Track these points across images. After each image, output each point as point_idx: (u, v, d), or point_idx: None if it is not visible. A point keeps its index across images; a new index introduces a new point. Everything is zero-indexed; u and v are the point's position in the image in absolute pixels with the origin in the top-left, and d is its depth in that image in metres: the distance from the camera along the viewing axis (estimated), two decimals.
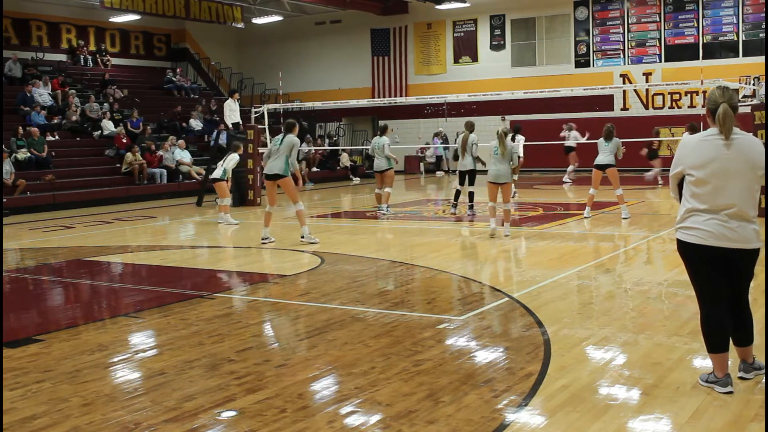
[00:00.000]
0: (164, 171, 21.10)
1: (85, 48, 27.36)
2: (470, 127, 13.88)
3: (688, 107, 24.24)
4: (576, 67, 26.43)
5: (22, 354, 5.73)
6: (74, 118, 22.06)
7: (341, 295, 7.64)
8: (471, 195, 14.32)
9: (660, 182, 19.34)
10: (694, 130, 18.23)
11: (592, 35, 26.30)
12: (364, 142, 28.80)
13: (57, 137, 21.17)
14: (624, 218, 12.81)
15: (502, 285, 8.07)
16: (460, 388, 4.71)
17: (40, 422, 4.32)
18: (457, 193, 14.43)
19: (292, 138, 11.04)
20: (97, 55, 27.70)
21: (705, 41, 24.50)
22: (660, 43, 25.27)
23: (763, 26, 23.30)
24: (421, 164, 28.54)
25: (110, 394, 4.81)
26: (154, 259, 10.58)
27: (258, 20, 29.16)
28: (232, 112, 18.61)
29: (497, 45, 27.89)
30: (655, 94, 25.33)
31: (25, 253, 11.56)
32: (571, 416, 4.22)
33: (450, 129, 27.20)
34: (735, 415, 4.19)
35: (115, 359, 5.63)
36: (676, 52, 24.96)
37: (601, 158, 12.95)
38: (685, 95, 24.68)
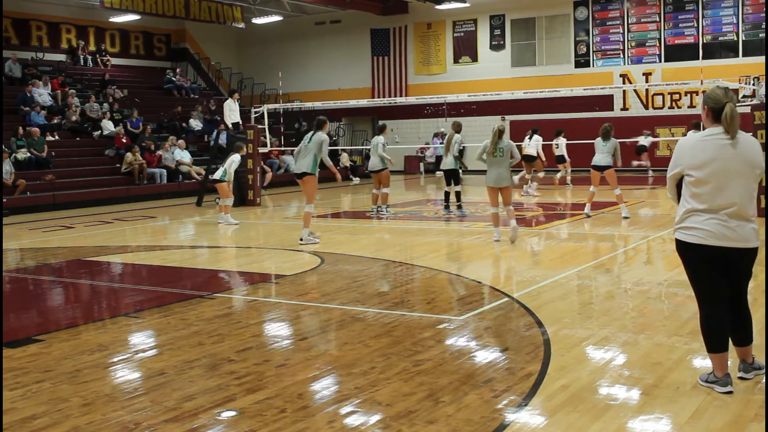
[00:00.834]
0: (164, 171, 21.10)
1: (85, 48, 27.37)
2: (457, 127, 14.06)
3: (688, 107, 24.24)
4: (576, 67, 26.43)
5: (22, 354, 5.73)
6: (74, 118, 22.06)
7: (341, 295, 7.64)
8: (458, 195, 14.43)
9: (649, 173, 19.45)
10: (698, 128, 18.31)
11: (592, 35, 26.30)
12: (363, 142, 28.80)
13: (57, 137, 21.17)
14: (624, 218, 12.81)
15: (502, 285, 8.06)
16: (460, 388, 4.70)
17: (40, 422, 4.32)
18: (447, 195, 14.53)
19: (321, 135, 11.00)
20: (97, 55, 27.70)
21: (705, 41, 24.49)
22: (660, 43, 25.27)
23: (763, 26, 23.30)
24: (421, 164, 28.55)
25: (110, 394, 4.81)
26: (154, 259, 10.58)
27: (258, 20, 29.17)
28: (231, 112, 18.61)
29: (497, 45, 27.89)
30: (655, 94, 25.33)
31: (25, 253, 11.56)
32: (571, 416, 4.22)
33: (450, 129, 27.14)
34: (735, 415, 4.19)
35: (115, 359, 5.62)
36: (675, 52, 24.96)
37: (599, 158, 12.89)
38: (685, 95, 24.68)
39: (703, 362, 4.94)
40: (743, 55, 23.77)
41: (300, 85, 30.32)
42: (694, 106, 23.70)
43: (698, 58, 23.91)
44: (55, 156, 19.97)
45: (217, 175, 14.18)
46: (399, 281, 8.68)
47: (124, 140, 21.43)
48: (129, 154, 20.57)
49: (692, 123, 16.04)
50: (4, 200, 16.40)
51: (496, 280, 8.56)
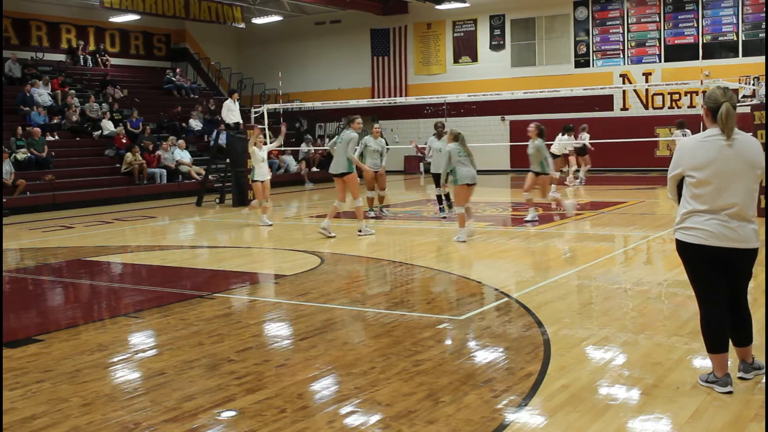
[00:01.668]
0: (164, 171, 21.09)
1: (85, 48, 27.36)
2: (439, 130, 14.23)
3: (688, 107, 24.23)
4: (576, 67, 26.41)
5: (22, 354, 5.73)
6: (74, 118, 22.06)
7: (341, 295, 7.64)
8: (447, 196, 14.50)
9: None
10: (682, 127, 18.32)
11: (592, 35, 26.29)
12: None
13: (57, 137, 21.16)
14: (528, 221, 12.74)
15: (501, 285, 8.06)
16: (460, 388, 4.71)
17: (40, 422, 4.32)
18: (439, 198, 14.55)
19: (349, 133, 11.35)
20: (97, 55, 27.68)
21: (705, 41, 24.49)
22: (660, 43, 25.26)
23: (763, 26, 23.29)
24: (421, 164, 28.53)
25: (110, 394, 4.81)
26: (153, 259, 10.58)
27: (258, 20, 29.15)
28: (230, 112, 18.59)
29: (497, 45, 27.88)
30: (654, 94, 25.31)
31: (25, 253, 11.56)
32: (571, 416, 4.22)
33: (447, 130, 27.15)
34: (735, 415, 4.19)
35: (115, 359, 5.63)
36: (675, 52, 24.95)
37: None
38: (685, 95, 24.67)
39: (703, 362, 4.94)
40: (743, 55, 23.76)
41: (300, 85, 30.31)
42: (694, 106, 23.71)
43: (698, 58, 23.90)
44: (55, 156, 19.96)
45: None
46: (399, 281, 8.68)
47: (124, 140, 21.42)
48: (129, 154, 20.56)
49: (677, 122, 16.02)
50: (4, 200, 16.40)
51: (495, 280, 8.55)
